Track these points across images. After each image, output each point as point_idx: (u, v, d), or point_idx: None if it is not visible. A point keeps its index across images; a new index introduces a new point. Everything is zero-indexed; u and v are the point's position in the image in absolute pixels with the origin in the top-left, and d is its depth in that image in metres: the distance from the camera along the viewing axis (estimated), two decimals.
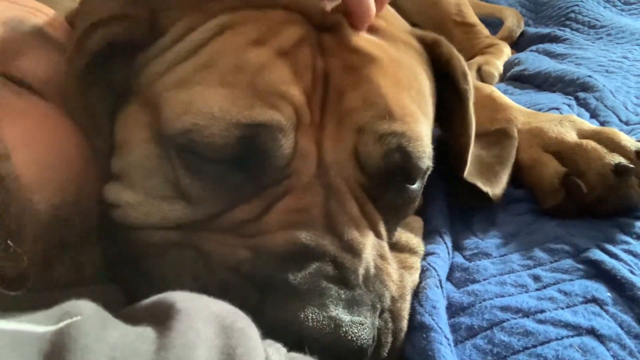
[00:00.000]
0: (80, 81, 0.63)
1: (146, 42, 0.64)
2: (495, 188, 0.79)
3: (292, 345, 0.45)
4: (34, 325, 0.34)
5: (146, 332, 0.37)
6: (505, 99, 0.94)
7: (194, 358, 0.35)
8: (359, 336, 0.50)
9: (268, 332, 0.43)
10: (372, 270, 0.58)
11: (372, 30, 0.69)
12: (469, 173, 0.78)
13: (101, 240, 0.62)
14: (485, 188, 0.77)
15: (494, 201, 0.78)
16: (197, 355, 0.35)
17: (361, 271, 0.56)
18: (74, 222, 0.59)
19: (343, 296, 0.52)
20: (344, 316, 0.50)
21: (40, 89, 0.62)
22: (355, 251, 0.57)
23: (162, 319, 0.38)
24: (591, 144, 0.78)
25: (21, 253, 0.51)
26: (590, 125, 0.86)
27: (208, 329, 0.37)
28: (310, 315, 0.49)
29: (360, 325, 0.51)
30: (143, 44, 0.64)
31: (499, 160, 0.83)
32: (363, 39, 0.66)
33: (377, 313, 0.55)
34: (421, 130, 0.64)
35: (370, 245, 0.59)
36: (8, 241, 0.50)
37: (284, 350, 0.41)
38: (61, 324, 0.34)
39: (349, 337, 0.50)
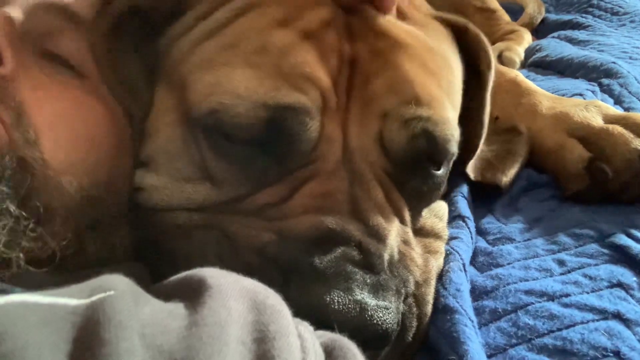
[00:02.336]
0: (108, 45, 0.62)
1: (171, 15, 0.64)
2: (498, 179, 0.80)
3: (317, 328, 0.44)
4: (67, 299, 0.34)
5: (177, 309, 0.36)
6: (530, 84, 0.93)
7: (226, 336, 0.34)
8: (384, 320, 0.50)
9: (293, 315, 0.43)
10: (396, 256, 0.58)
11: (403, 16, 0.68)
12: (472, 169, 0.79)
13: (129, 222, 0.62)
14: (484, 180, 0.79)
15: (502, 188, 0.79)
16: (229, 333, 0.35)
17: (386, 256, 0.56)
18: (106, 203, 0.59)
19: (368, 280, 0.52)
20: (370, 300, 0.50)
21: (77, 66, 0.62)
22: (380, 237, 0.57)
23: (193, 295, 0.38)
24: (617, 129, 0.77)
25: (48, 236, 0.52)
26: (616, 110, 0.85)
27: (240, 306, 0.37)
28: (336, 298, 0.49)
29: (385, 310, 0.51)
30: (168, 18, 0.64)
31: (499, 156, 0.83)
32: (392, 24, 0.65)
33: (402, 298, 0.55)
34: (448, 115, 0.64)
35: (394, 231, 0.59)
36: (35, 223, 0.51)
37: (311, 328, 0.41)
38: (94, 298, 0.34)
39: (374, 321, 0.50)
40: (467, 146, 0.76)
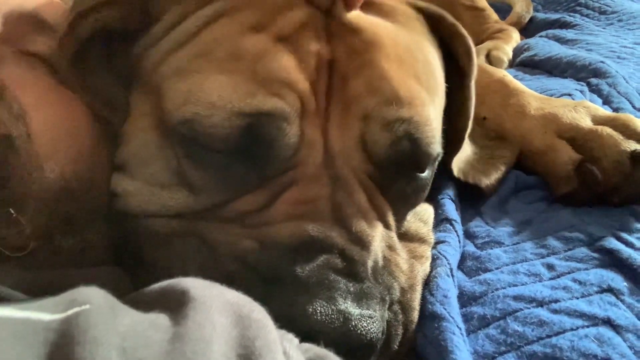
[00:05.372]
0: (76, 65, 0.62)
1: (139, 29, 0.63)
2: (479, 180, 0.79)
3: (301, 339, 0.43)
4: (41, 313, 0.33)
5: (159, 320, 0.35)
6: (518, 84, 0.92)
7: (210, 352, 0.33)
8: (369, 330, 0.49)
9: (276, 326, 0.41)
10: (381, 262, 0.57)
11: (369, 6, 0.65)
12: (457, 167, 0.78)
13: (107, 225, 0.61)
14: (466, 179, 0.78)
15: (485, 192, 0.78)
16: (213, 349, 0.33)
17: (370, 263, 0.55)
18: (83, 198, 0.58)
19: (352, 289, 0.51)
20: (353, 309, 0.49)
21: (53, 64, 0.63)
22: (363, 243, 0.55)
23: (175, 306, 0.37)
24: (607, 130, 0.76)
25: (23, 221, 0.51)
26: (605, 111, 0.84)
27: (224, 319, 0.36)
28: (319, 308, 0.48)
29: (369, 319, 0.50)
30: (137, 31, 0.63)
31: (482, 159, 0.83)
32: (363, 20, 0.63)
33: (387, 305, 0.54)
34: (429, 115, 0.62)
35: (378, 237, 0.58)
36: (11, 209, 0.50)
37: (296, 341, 0.40)
38: (69, 312, 0.33)
39: (358, 331, 0.49)
40: (453, 140, 0.75)
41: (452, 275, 0.63)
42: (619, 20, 1.70)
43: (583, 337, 0.54)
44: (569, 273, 0.62)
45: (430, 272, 0.63)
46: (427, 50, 0.69)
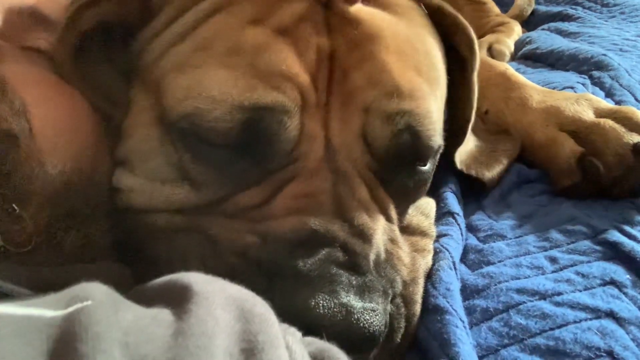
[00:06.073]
0: (76, 59, 0.62)
1: (139, 23, 0.63)
2: (482, 174, 0.79)
3: (302, 332, 0.43)
4: (43, 310, 0.33)
5: (161, 315, 0.35)
6: (520, 77, 0.92)
7: (213, 347, 0.33)
8: (371, 323, 0.49)
9: (279, 320, 0.42)
10: (383, 255, 0.57)
11: (375, 2, 0.65)
12: (459, 159, 0.78)
13: (110, 221, 0.61)
14: (468, 171, 0.78)
15: (487, 185, 0.78)
16: (216, 344, 0.33)
17: (372, 257, 0.55)
18: (85, 193, 0.58)
19: (354, 282, 0.51)
20: (356, 303, 0.49)
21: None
22: (365, 236, 0.55)
23: (178, 301, 0.36)
24: (609, 123, 0.76)
25: (26, 217, 0.52)
26: (608, 104, 0.84)
27: (227, 314, 0.36)
28: (321, 302, 0.48)
29: (372, 312, 0.50)
30: (137, 26, 0.63)
31: (485, 152, 0.82)
32: (363, 12, 0.63)
33: (389, 298, 0.54)
34: (430, 107, 0.62)
35: (380, 230, 0.58)
36: (14, 205, 0.51)
37: (298, 334, 0.40)
38: (70, 309, 0.33)
39: (361, 324, 0.49)
40: (456, 132, 0.75)
41: (455, 268, 0.63)
42: (621, 13, 1.69)
43: (586, 329, 0.54)
44: (571, 266, 0.62)
45: (433, 265, 0.63)
46: (428, 41, 0.69)
